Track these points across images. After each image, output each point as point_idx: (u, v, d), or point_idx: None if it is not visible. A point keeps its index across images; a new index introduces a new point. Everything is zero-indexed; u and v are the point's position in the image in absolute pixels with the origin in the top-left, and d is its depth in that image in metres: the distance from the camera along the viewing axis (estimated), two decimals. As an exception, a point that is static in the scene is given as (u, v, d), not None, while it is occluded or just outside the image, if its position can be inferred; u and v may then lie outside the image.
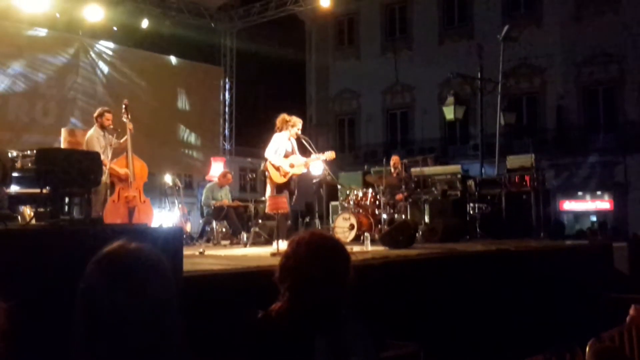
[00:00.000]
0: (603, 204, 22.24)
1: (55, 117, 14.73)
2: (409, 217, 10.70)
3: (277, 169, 7.82)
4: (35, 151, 5.99)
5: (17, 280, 3.06)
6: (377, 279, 5.20)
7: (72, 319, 1.47)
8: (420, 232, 9.98)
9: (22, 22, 14.47)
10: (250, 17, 20.18)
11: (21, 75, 14.26)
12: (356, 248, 7.18)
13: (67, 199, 6.92)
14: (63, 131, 9.16)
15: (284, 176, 7.86)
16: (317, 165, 8.24)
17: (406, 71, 24.93)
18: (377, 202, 10.22)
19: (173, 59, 18.40)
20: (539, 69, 22.81)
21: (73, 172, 5.55)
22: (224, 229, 10.90)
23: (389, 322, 4.77)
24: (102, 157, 7.17)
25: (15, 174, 6.48)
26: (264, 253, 6.88)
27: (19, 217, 6.53)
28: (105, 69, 16.08)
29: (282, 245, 6.30)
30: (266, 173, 7.96)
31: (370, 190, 10.40)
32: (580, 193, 22.49)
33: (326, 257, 2.06)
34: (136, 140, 8.14)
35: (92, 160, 6.05)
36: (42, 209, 5.55)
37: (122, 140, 7.93)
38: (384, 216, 10.16)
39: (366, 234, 8.31)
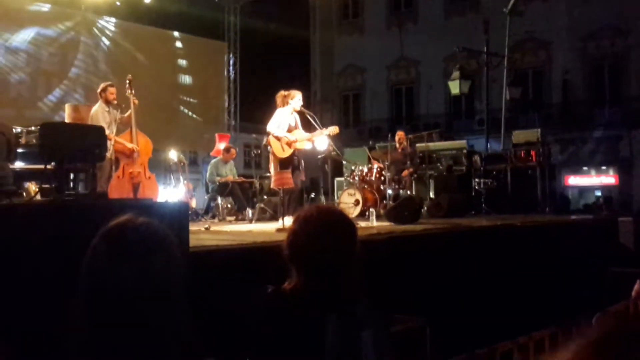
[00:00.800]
0: (608, 178, 22.20)
1: (58, 93, 14.67)
2: (414, 192, 10.68)
3: (279, 139, 7.72)
4: (39, 126, 5.96)
5: (22, 255, 3.06)
6: (383, 254, 5.20)
7: (75, 294, 1.46)
8: (426, 208, 9.96)
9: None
10: (254, -8, 20.03)
11: (23, 52, 14.16)
12: (361, 223, 7.18)
13: (72, 175, 6.91)
14: (67, 107, 9.12)
15: (289, 145, 7.70)
16: (322, 140, 8.18)
17: (411, 46, 24.74)
18: (382, 178, 10.19)
19: (176, 34, 18.22)
20: (544, 43, 22.64)
21: (78, 147, 5.52)
22: (229, 205, 10.92)
23: (395, 297, 4.78)
24: (107, 131, 7.13)
25: (20, 150, 6.47)
26: (270, 229, 6.88)
27: (24, 193, 6.52)
28: (108, 44, 15.95)
29: (288, 221, 6.27)
30: (269, 148, 7.82)
31: (375, 165, 10.37)
32: (585, 168, 22.45)
33: (336, 233, 2.04)
34: (140, 116, 8.06)
35: (97, 134, 6.00)
36: (46, 185, 5.54)
37: (126, 115, 7.89)
38: (389, 192, 10.13)
39: (371, 209, 8.31)
